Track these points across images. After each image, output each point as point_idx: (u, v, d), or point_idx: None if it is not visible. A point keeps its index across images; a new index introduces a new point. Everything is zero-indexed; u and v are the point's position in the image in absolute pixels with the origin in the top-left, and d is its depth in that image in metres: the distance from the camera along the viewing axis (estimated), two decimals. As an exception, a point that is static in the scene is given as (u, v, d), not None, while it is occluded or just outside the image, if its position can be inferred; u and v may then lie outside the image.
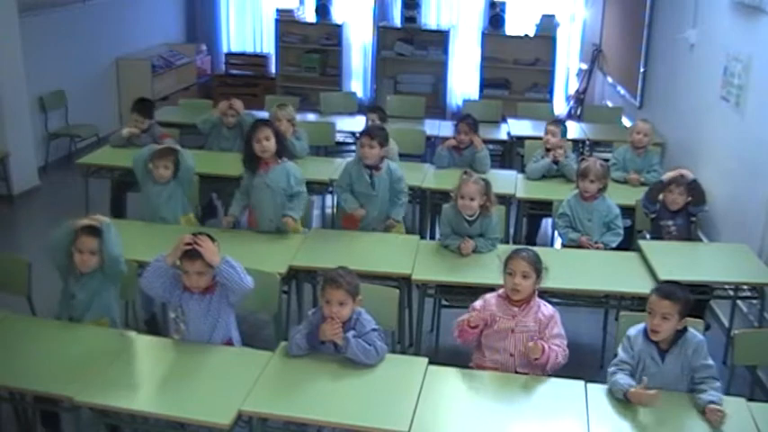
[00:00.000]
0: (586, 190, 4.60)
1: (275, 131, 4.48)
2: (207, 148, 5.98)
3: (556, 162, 5.43)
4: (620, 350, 3.20)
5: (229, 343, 3.39)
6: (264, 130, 4.41)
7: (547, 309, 3.36)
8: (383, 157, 4.69)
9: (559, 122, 5.74)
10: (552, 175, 5.46)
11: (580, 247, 4.51)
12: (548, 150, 5.49)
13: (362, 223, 4.67)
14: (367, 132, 4.67)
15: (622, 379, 3.04)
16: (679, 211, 4.65)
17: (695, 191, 4.63)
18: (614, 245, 4.54)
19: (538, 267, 3.35)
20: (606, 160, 5.83)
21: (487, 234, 4.26)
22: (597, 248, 4.48)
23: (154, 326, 4.45)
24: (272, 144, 4.40)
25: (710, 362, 3.10)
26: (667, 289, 3.13)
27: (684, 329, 3.13)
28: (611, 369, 3.14)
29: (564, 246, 4.72)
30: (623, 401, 2.99)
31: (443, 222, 4.37)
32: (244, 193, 4.54)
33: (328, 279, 3.22)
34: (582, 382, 3.13)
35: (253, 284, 3.35)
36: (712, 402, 2.92)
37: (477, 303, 3.42)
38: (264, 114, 6.08)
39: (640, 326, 3.19)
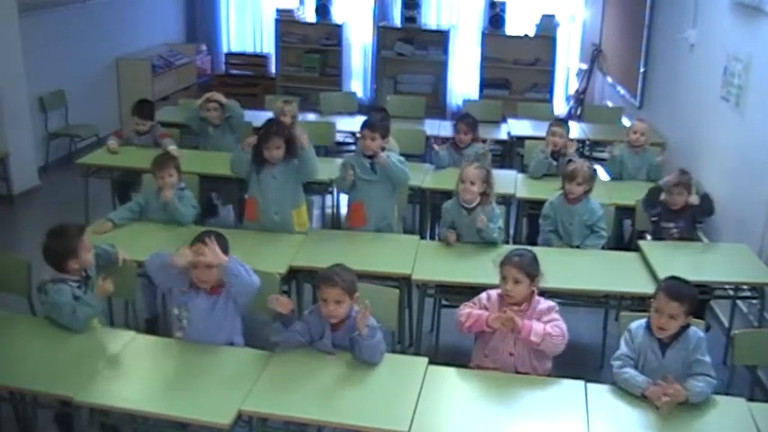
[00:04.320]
0: (571, 192, 4.55)
1: (286, 138, 4.41)
2: (201, 149, 5.99)
3: (556, 158, 5.43)
4: (622, 343, 3.21)
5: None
6: (276, 140, 4.38)
7: (546, 302, 3.37)
8: (383, 148, 4.68)
9: (561, 122, 5.73)
10: (553, 173, 5.46)
11: None
12: (554, 153, 5.48)
13: (368, 215, 4.62)
14: (368, 125, 4.65)
15: (639, 376, 3.05)
16: (681, 213, 4.62)
17: (706, 202, 4.62)
18: (598, 248, 4.50)
19: (530, 272, 3.32)
20: (605, 160, 5.86)
21: (491, 222, 4.25)
22: None
23: (154, 326, 4.45)
24: (281, 152, 4.40)
25: (707, 359, 3.10)
26: (676, 289, 3.12)
27: (687, 325, 3.13)
28: (616, 363, 3.14)
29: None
30: (623, 401, 3.00)
31: (443, 217, 4.39)
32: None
33: (323, 277, 3.21)
34: (582, 382, 3.12)
35: (259, 282, 3.38)
36: (686, 389, 2.94)
37: (483, 296, 3.42)
38: (266, 114, 6.07)
39: (642, 321, 3.20)
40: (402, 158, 4.75)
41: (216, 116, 5.90)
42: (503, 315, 3.25)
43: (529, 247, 3.72)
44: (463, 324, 3.36)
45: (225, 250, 3.42)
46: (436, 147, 5.62)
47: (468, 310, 3.38)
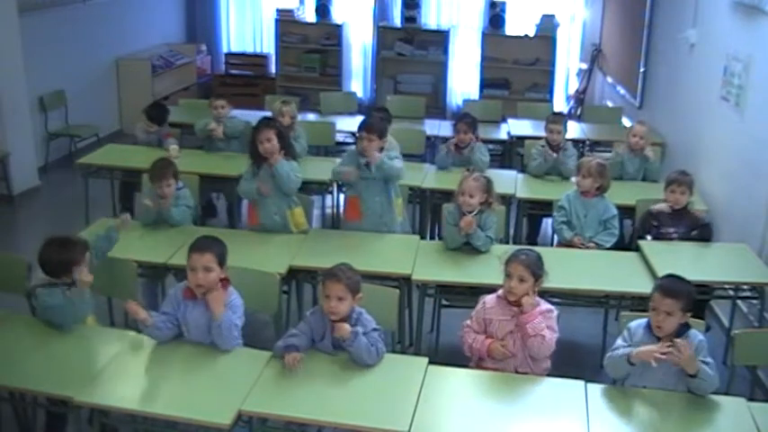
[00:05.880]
0: (579, 185, 4.64)
1: (277, 132, 4.46)
2: (206, 151, 5.98)
3: (556, 150, 5.45)
4: (618, 340, 3.23)
5: None
6: (266, 131, 4.41)
7: (545, 304, 3.38)
8: (382, 148, 4.67)
9: (560, 116, 5.76)
10: (553, 167, 5.46)
11: (572, 245, 4.52)
12: (552, 148, 5.50)
13: (364, 211, 4.60)
14: (365, 127, 4.64)
15: (622, 348, 3.11)
16: (681, 215, 4.61)
17: (706, 231, 4.60)
18: (608, 245, 4.53)
19: (535, 271, 3.34)
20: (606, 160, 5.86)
21: (483, 228, 4.23)
22: (589, 248, 4.48)
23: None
24: (273, 145, 4.41)
25: (710, 360, 3.11)
26: (670, 286, 3.14)
27: (687, 326, 3.14)
28: (606, 356, 3.20)
29: (559, 244, 4.72)
30: (624, 401, 3.00)
31: (447, 221, 4.38)
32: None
33: (328, 273, 3.24)
34: (582, 382, 3.13)
35: (230, 347, 3.26)
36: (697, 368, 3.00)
37: (479, 308, 3.43)
38: (266, 114, 6.07)
39: (642, 320, 3.21)
40: (398, 155, 4.74)
41: (223, 128, 5.90)
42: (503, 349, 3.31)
43: (532, 248, 3.72)
44: (466, 351, 3.42)
45: (223, 257, 3.38)
46: (451, 149, 5.58)
47: (471, 338, 3.40)
